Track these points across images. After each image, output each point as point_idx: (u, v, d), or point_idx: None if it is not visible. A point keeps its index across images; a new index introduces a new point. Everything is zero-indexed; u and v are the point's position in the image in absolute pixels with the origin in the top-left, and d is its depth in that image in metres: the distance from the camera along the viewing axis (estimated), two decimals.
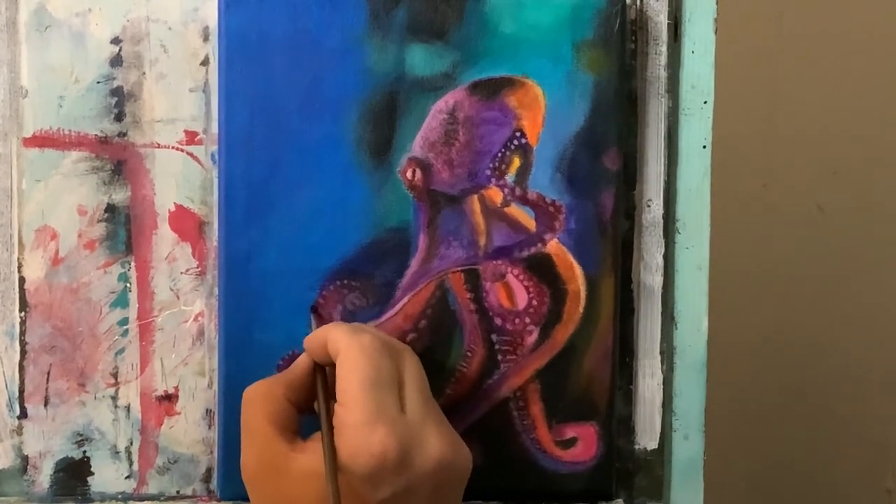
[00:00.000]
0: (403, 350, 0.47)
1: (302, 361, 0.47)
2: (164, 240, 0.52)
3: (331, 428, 0.44)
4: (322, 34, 0.50)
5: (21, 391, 0.52)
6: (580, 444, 0.52)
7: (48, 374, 0.52)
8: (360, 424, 0.42)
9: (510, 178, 0.51)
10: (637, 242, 0.53)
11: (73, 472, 0.52)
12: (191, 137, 0.52)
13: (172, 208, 0.52)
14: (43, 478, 0.52)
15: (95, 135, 0.51)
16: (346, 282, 0.51)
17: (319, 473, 0.43)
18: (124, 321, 0.52)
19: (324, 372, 0.47)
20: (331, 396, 0.45)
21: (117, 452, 0.52)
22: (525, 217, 0.52)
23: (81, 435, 0.52)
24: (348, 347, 0.44)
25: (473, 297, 0.51)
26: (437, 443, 0.44)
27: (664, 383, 0.54)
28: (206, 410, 0.52)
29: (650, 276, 0.53)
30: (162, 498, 0.52)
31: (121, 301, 0.52)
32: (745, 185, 1.04)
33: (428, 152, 0.51)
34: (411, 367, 0.46)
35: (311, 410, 0.47)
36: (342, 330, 0.45)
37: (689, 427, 0.54)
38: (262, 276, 0.50)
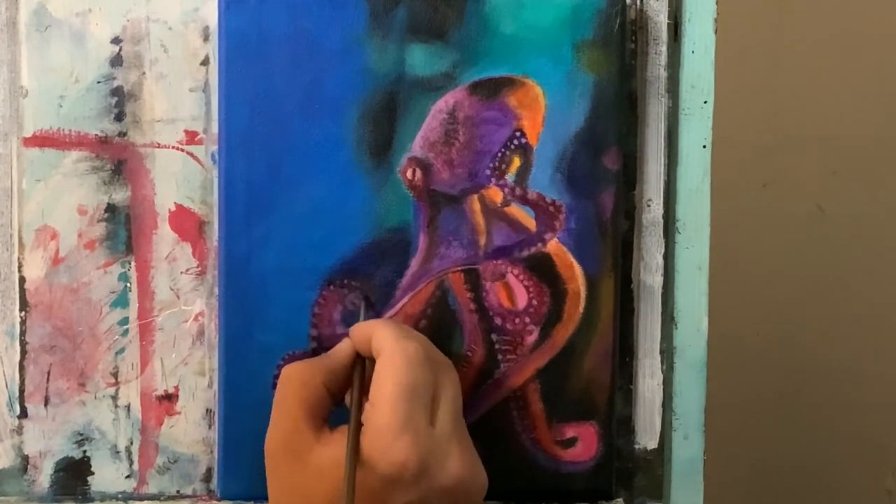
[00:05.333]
0: (445, 364, 0.47)
1: (345, 349, 0.47)
2: (164, 240, 0.52)
3: (358, 425, 0.44)
4: (322, 34, 0.50)
5: (21, 391, 0.52)
6: (580, 444, 0.52)
7: (48, 373, 0.52)
8: (386, 429, 0.43)
9: (510, 177, 0.51)
10: (637, 242, 0.53)
11: (74, 472, 0.52)
12: (191, 137, 0.52)
13: (172, 208, 0.52)
14: (43, 477, 0.52)
15: (95, 135, 0.51)
16: (345, 282, 0.51)
17: (337, 468, 0.43)
18: (124, 321, 0.52)
19: (363, 364, 0.47)
20: (365, 391, 0.45)
21: (117, 452, 0.52)
22: (525, 217, 0.52)
23: (81, 434, 0.52)
24: (392, 351, 0.44)
25: (473, 297, 0.51)
26: (457, 462, 0.44)
27: (664, 383, 0.54)
28: (206, 410, 0.52)
29: (650, 276, 0.53)
30: (162, 498, 0.52)
31: (121, 301, 0.52)
32: (745, 185, 1.04)
33: (428, 152, 0.51)
34: (449, 382, 0.46)
35: (343, 401, 0.47)
36: (389, 331, 0.45)
37: (689, 427, 0.54)
38: (262, 276, 0.50)
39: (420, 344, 0.45)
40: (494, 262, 0.51)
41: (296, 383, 0.45)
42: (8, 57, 0.51)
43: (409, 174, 0.51)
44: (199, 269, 0.52)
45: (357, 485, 0.42)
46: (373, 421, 0.43)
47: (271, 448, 0.45)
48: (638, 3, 0.53)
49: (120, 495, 0.52)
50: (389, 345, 0.44)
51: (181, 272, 0.52)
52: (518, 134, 0.51)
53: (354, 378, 0.46)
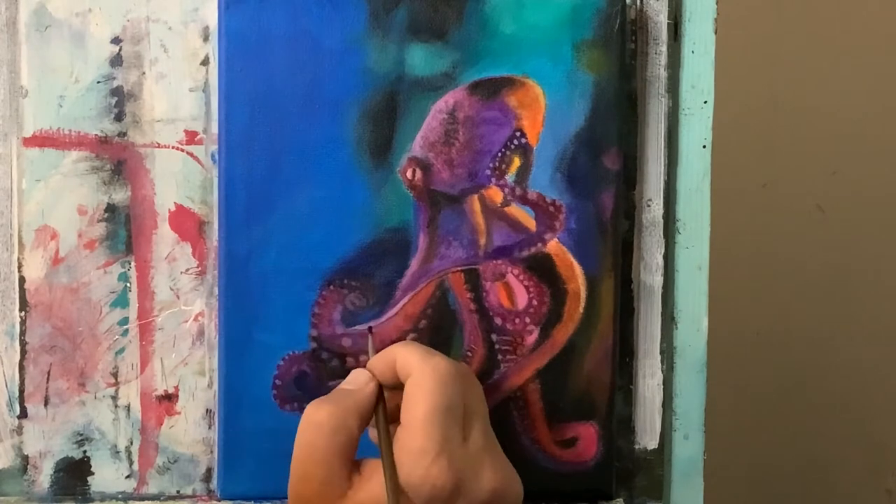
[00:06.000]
0: (470, 376, 0.47)
1: (368, 385, 0.46)
2: (164, 240, 0.52)
3: (391, 460, 0.43)
4: (322, 34, 0.50)
5: (21, 391, 0.52)
6: (580, 444, 0.52)
7: (48, 373, 0.52)
8: (423, 452, 0.42)
9: (510, 177, 0.51)
10: (637, 242, 0.53)
11: (73, 472, 0.52)
12: (191, 137, 0.52)
13: (172, 208, 0.52)
14: (43, 477, 0.52)
15: (95, 135, 0.51)
16: (345, 282, 0.51)
17: None
18: (124, 321, 0.52)
19: (383, 396, 0.46)
20: (390, 420, 0.45)
21: (117, 452, 0.52)
22: (525, 217, 0.52)
23: (81, 435, 0.52)
24: (421, 371, 0.44)
25: (473, 297, 0.51)
26: (491, 475, 0.44)
27: (664, 383, 0.54)
28: (206, 410, 0.52)
29: (650, 276, 0.53)
30: (162, 498, 0.52)
31: (121, 301, 0.52)
32: (745, 185, 1.04)
33: (428, 152, 0.51)
34: (476, 394, 0.46)
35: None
36: (414, 351, 0.45)
37: (689, 427, 0.54)
38: (262, 276, 0.50)
39: (446, 359, 0.45)
40: (494, 262, 0.51)
41: (327, 430, 0.43)
42: (8, 57, 0.51)
43: (409, 174, 0.51)
44: (199, 269, 0.52)
45: None
46: (408, 445, 0.43)
47: (306, 496, 0.44)
48: (638, 3, 0.53)
49: (120, 495, 0.52)
50: (417, 365, 0.44)
51: (181, 272, 0.52)
52: (518, 134, 0.51)
53: (379, 413, 0.45)
